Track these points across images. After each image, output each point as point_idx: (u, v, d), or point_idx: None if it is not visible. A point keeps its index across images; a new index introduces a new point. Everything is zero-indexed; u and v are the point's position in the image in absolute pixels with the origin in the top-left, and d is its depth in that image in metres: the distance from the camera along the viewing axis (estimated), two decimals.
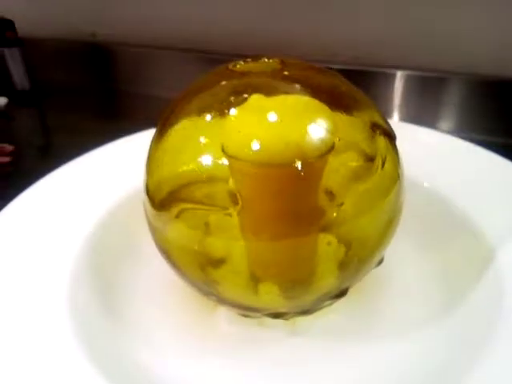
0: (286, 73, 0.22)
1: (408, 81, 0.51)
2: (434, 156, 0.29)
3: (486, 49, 0.47)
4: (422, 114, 0.51)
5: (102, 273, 0.25)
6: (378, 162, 0.22)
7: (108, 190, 0.29)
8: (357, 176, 0.22)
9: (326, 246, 0.22)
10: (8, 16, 0.64)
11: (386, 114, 0.23)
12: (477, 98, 0.48)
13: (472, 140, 0.31)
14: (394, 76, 0.51)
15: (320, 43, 0.54)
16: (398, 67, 0.51)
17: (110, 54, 0.68)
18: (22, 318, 0.22)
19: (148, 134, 0.31)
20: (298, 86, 0.22)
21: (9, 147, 0.51)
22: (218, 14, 0.59)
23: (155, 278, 0.26)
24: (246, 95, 0.21)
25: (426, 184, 0.28)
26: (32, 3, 0.69)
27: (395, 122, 0.23)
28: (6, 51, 0.65)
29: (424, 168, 0.28)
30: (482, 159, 0.29)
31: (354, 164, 0.22)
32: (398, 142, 0.23)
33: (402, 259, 0.26)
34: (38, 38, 0.69)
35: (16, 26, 0.65)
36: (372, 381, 0.21)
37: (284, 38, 0.55)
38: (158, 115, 0.26)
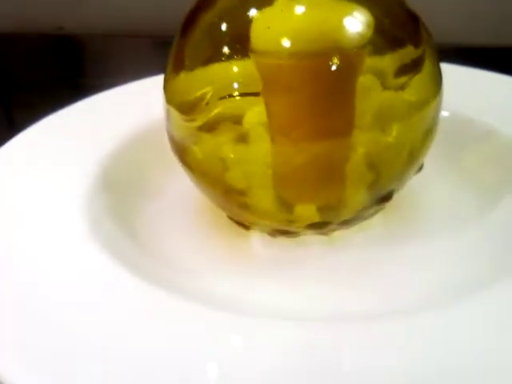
0: None
1: None
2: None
3: None
4: None
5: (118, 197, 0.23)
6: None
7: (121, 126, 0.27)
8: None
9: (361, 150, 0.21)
10: None
11: None
12: None
13: None
14: None
15: None
16: None
17: (77, 47, 0.66)
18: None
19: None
20: None
21: None
22: None
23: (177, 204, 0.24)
24: None
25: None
26: None
27: None
28: None
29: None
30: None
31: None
32: None
33: (436, 172, 0.26)
34: (2, 32, 0.66)
35: None
36: (424, 283, 0.21)
37: None
38: None
